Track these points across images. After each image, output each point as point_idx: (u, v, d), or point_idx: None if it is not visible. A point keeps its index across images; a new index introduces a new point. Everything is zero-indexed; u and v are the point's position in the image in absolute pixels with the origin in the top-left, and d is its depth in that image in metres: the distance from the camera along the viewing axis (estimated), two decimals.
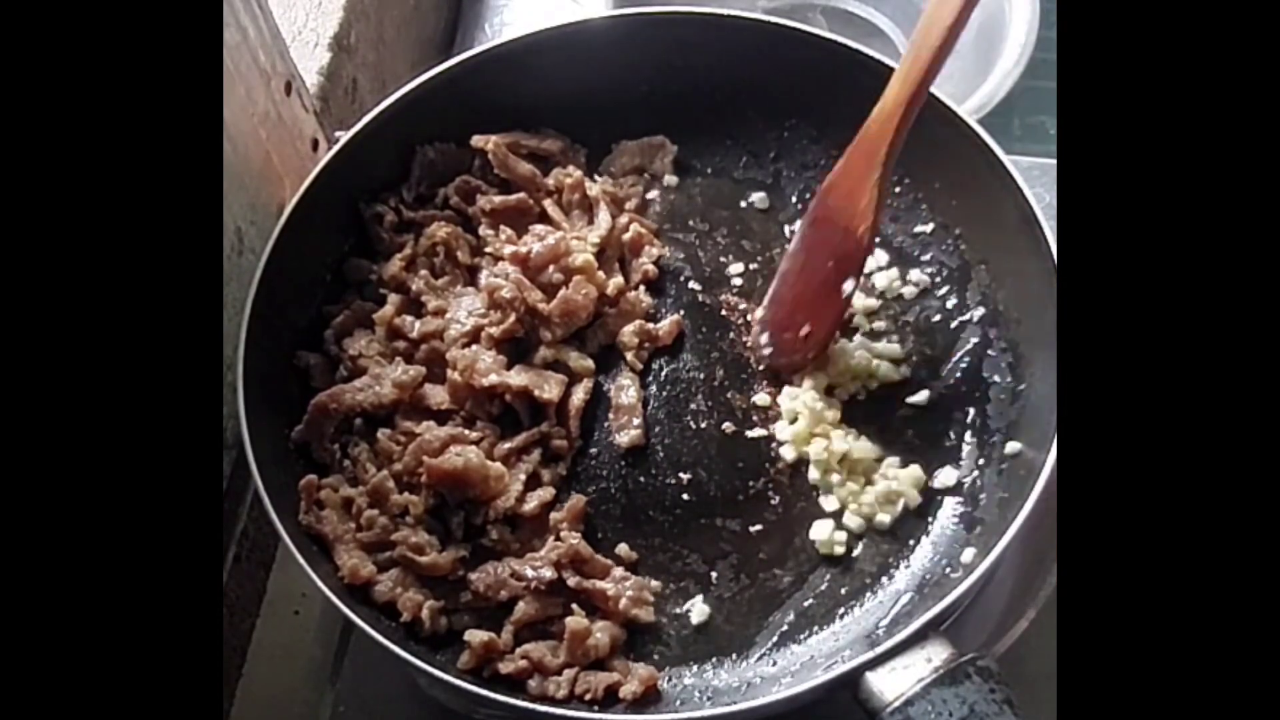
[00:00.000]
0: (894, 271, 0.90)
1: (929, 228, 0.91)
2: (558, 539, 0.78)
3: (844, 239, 0.79)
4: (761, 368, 0.86)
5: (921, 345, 0.87)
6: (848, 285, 0.80)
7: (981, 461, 0.82)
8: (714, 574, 0.80)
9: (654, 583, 0.79)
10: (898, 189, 0.93)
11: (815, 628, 0.77)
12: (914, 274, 0.90)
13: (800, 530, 0.81)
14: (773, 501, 0.82)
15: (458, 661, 0.74)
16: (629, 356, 0.87)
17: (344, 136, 0.87)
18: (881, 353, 0.86)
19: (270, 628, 0.89)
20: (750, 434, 0.84)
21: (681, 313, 0.90)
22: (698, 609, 0.78)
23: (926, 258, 0.91)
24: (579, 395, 0.84)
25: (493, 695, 0.69)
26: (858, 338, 0.87)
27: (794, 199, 0.95)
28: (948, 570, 0.77)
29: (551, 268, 0.85)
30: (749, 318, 0.89)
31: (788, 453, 0.82)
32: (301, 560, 0.71)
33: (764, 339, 0.85)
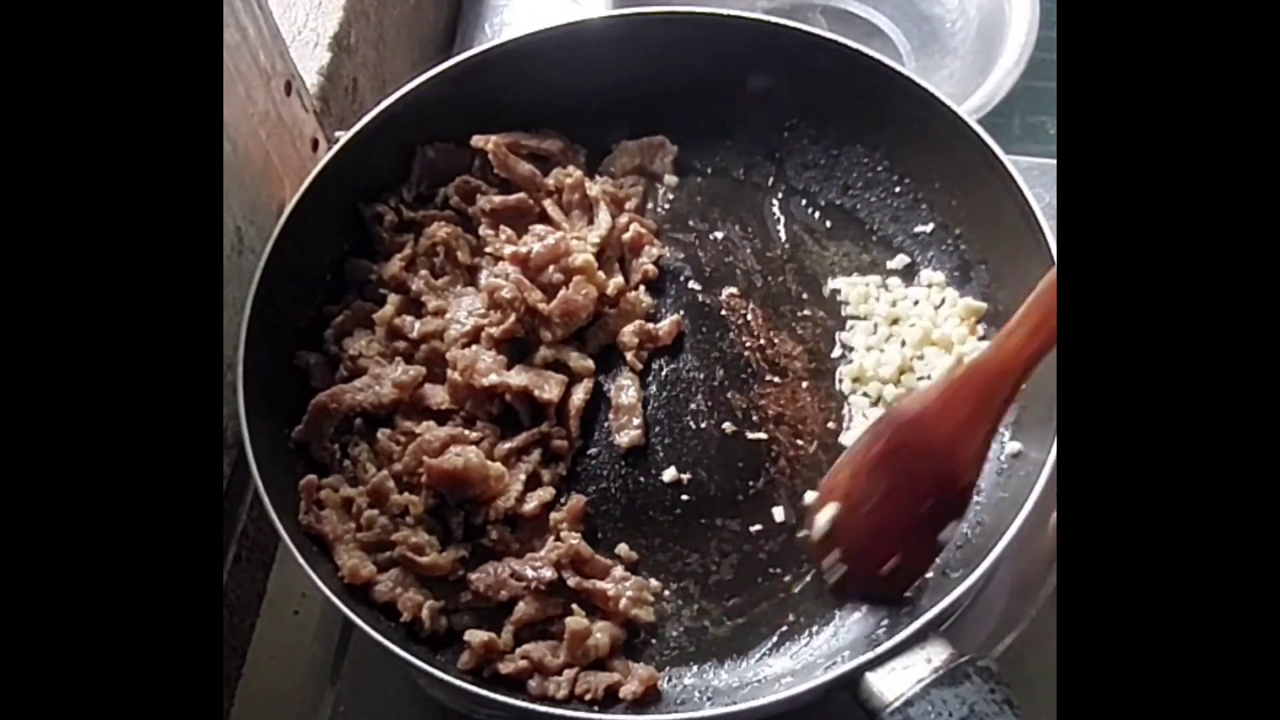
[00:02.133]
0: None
1: (929, 228, 0.91)
2: (558, 539, 0.78)
3: (945, 484, 0.72)
4: (829, 580, 0.78)
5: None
6: (948, 531, 0.74)
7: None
8: (714, 574, 0.80)
9: (654, 583, 0.79)
10: (897, 189, 0.93)
11: (815, 628, 0.77)
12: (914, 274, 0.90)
13: (800, 530, 0.80)
14: (773, 501, 0.82)
15: (458, 661, 0.74)
16: (629, 356, 0.87)
17: (344, 136, 0.87)
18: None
19: (270, 628, 0.89)
20: (750, 434, 0.84)
21: (681, 313, 0.90)
22: (698, 608, 0.78)
23: (927, 258, 0.91)
24: (579, 395, 0.84)
25: (493, 695, 0.69)
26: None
27: (794, 199, 0.95)
28: (947, 570, 0.77)
29: (551, 268, 0.85)
30: (749, 318, 0.89)
31: None
32: (301, 560, 0.71)
33: (834, 556, 0.77)
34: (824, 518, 0.76)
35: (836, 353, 0.88)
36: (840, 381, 0.86)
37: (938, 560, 0.78)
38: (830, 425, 0.85)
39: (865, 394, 0.85)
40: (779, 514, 0.81)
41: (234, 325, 0.78)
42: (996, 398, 0.70)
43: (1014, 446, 0.80)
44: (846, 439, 0.84)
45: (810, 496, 0.81)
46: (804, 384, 0.86)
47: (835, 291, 0.90)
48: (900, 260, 0.91)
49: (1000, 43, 1.18)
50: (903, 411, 0.74)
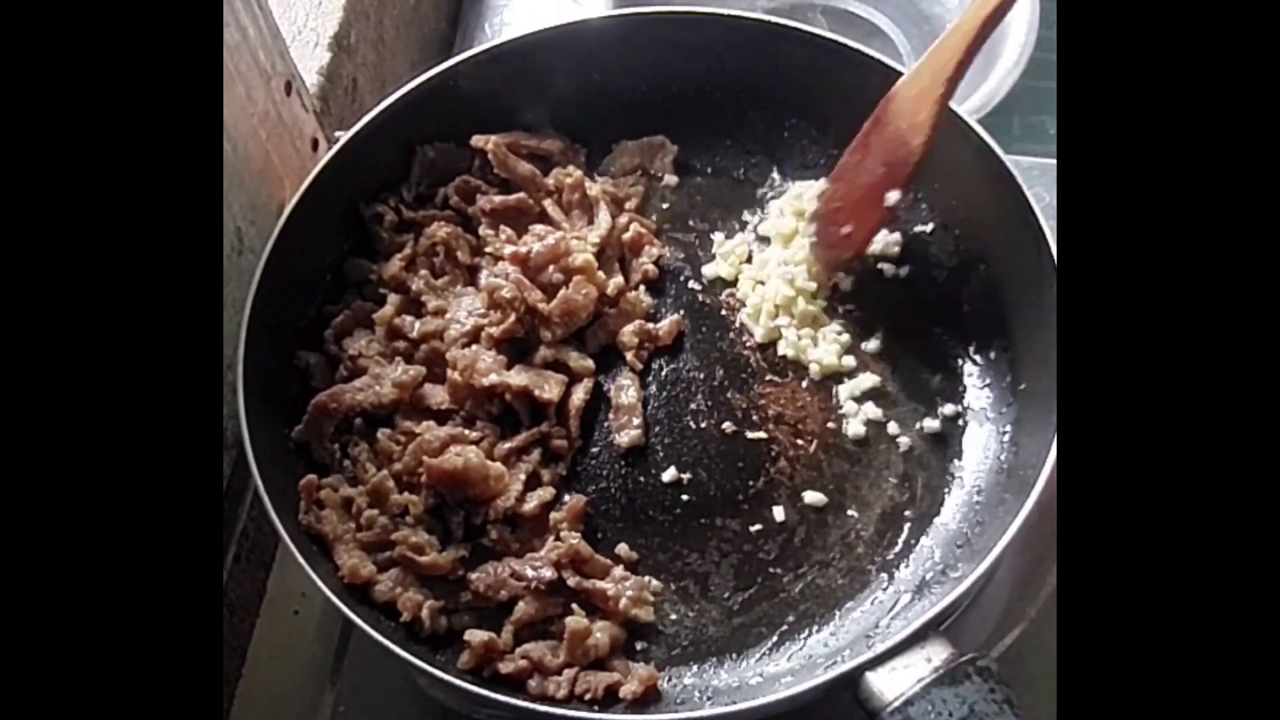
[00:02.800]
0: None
1: (929, 228, 0.91)
2: (558, 539, 0.78)
3: (898, 147, 0.80)
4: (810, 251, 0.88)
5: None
6: (892, 195, 0.81)
7: (982, 461, 0.82)
8: (714, 574, 0.80)
9: (654, 583, 0.79)
10: None
11: (815, 628, 0.77)
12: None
13: (800, 530, 0.81)
14: (773, 501, 0.82)
15: (458, 661, 0.74)
16: (629, 356, 0.87)
17: (344, 136, 0.87)
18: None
19: (270, 628, 0.89)
20: (750, 434, 0.84)
21: (681, 313, 0.90)
22: (698, 608, 0.78)
23: (927, 257, 0.91)
24: (579, 395, 0.84)
25: (493, 695, 0.69)
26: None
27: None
28: (947, 570, 0.77)
29: (551, 268, 0.85)
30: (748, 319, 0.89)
31: None
32: (301, 560, 0.71)
33: (812, 227, 0.87)
34: (812, 190, 0.87)
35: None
36: (847, 383, 0.86)
37: (938, 560, 0.78)
38: (830, 425, 0.85)
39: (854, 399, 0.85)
40: (779, 514, 0.81)
41: (234, 325, 0.78)
42: (951, 62, 0.76)
43: (1014, 446, 0.80)
44: (847, 437, 0.84)
45: (810, 496, 0.81)
46: (804, 384, 0.86)
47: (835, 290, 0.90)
48: (899, 260, 0.91)
49: (1000, 43, 1.18)
50: (892, 90, 0.81)
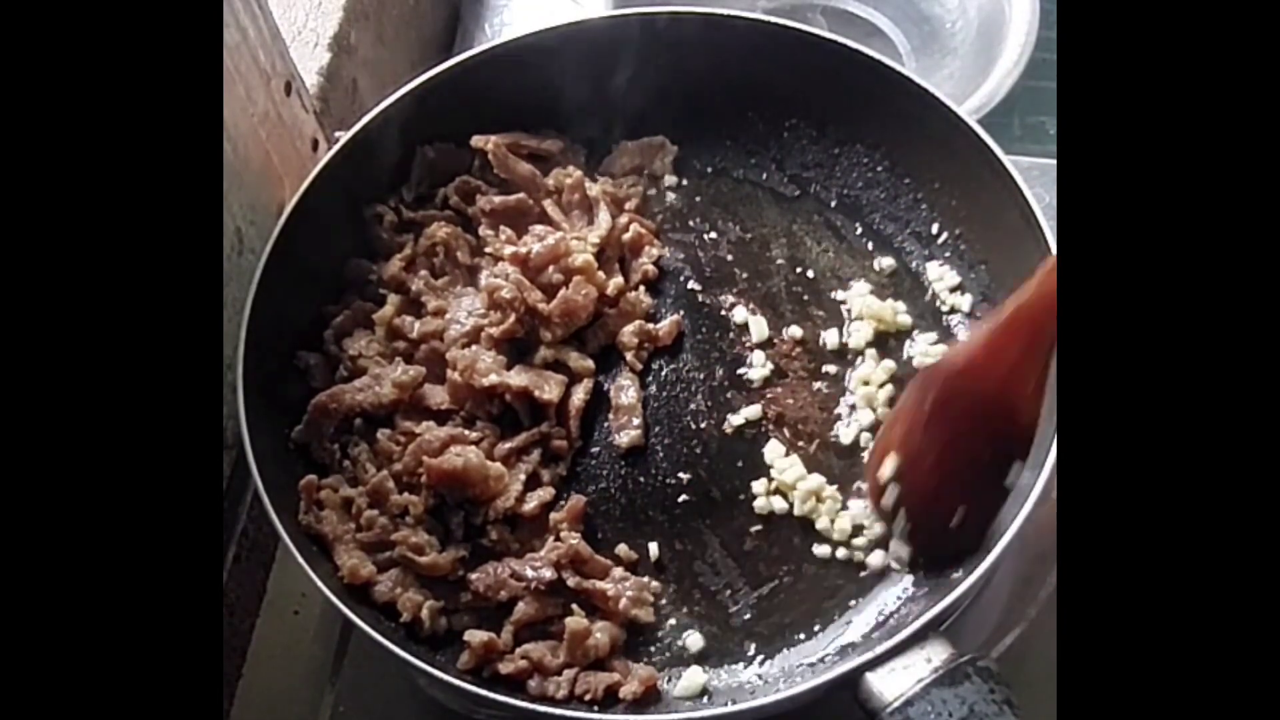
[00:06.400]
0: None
1: (929, 228, 0.91)
2: (558, 539, 0.78)
3: (1004, 428, 0.72)
4: (902, 542, 0.78)
5: None
6: (1014, 474, 0.73)
7: None
8: (714, 574, 0.79)
9: (654, 583, 0.79)
10: (898, 189, 0.93)
11: (815, 628, 0.77)
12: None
13: (800, 530, 0.80)
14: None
15: (458, 661, 0.74)
16: (629, 356, 0.87)
17: (344, 136, 0.87)
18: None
19: (270, 628, 0.89)
20: (750, 434, 0.84)
21: (681, 313, 0.90)
22: (698, 609, 0.78)
23: (926, 258, 0.91)
24: (579, 395, 0.84)
25: (493, 695, 0.69)
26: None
27: (794, 199, 0.95)
28: (948, 570, 0.77)
29: (551, 268, 0.85)
30: (748, 318, 0.89)
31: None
32: (301, 560, 0.71)
33: (901, 516, 0.76)
34: (888, 468, 0.75)
35: (836, 353, 0.88)
36: (847, 382, 0.86)
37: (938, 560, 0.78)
38: (830, 425, 0.85)
39: (868, 399, 0.85)
40: (779, 514, 0.81)
41: (234, 325, 0.78)
42: (1046, 333, 0.68)
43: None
44: (846, 437, 0.84)
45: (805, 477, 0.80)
46: (804, 384, 0.86)
47: (835, 291, 0.90)
48: (900, 261, 0.91)
49: (1000, 43, 1.19)
50: (951, 363, 0.74)
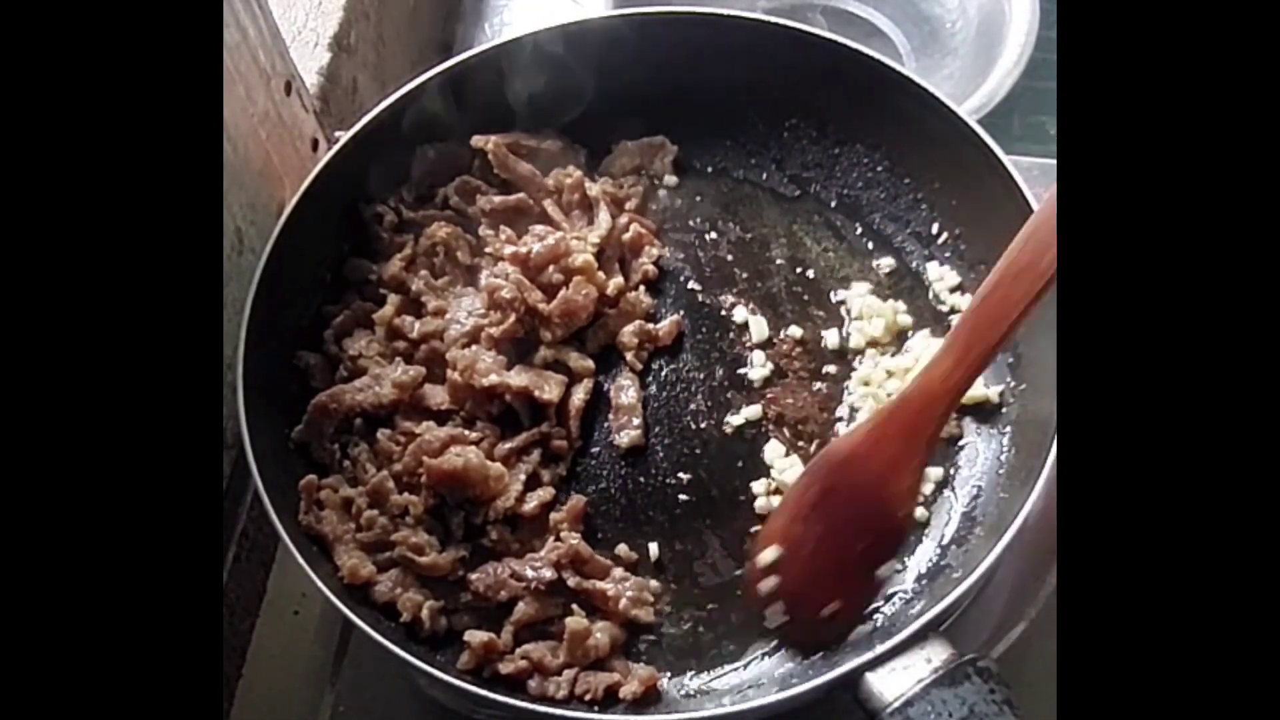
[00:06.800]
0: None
1: (929, 228, 0.91)
2: (558, 539, 0.78)
3: (880, 521, 0.72)
4: (771, 628, 0.76)
5: None
6: (885, 570, 0.74)
7: (982, 461, 0.82)
8: (714, 574, 0.79)
9: (654, 583, 0.79)
10: (897, 189, 0.93)
11: None
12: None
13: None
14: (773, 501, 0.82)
15: (458, 661, 0.74)
16: (629, 356, 0.87)
17: (344, 136, 0.87)
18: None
19: (270, 628, 0.89)
20: (750, 434, 0.84)
21: (681, 313, 0.90)
22: (698, 609, 0.78)
23: (927, 258, 0.91)
24: (579, 395, 0.84)
25: (493, 695, 0.69)
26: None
27: (794, 199, 0.95)
28: (947, 570, 0.77)
29: (551, 268, 0.85)
30: (748, 318, 0.89)
31: None
32: (301, 560, 0.71)
33: (778, 607, 0.75)
34: (768, 556, 0.74)
35: (837, 353, 0.88)
36: (847, 383, 0.86)
37: (938, 560, 0.78)
38: (830, 425, 0.84)
39: (872, 397, 0.85)
40: None
41: (234, 325, 0.78)
42: (925, 430, 0.70)
43: (1014, 446, 0.80)
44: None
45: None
46: (804, 384, 0.86)
47: (835, 291, 0.90)
48: (900, 260, 0.91)
49: (1000, 43, 1.18)
50: (836, 452, 0.74)
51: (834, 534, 0.74)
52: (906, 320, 0.88)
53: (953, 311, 0.88)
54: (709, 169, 0.97)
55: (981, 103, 1.12)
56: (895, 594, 0.78)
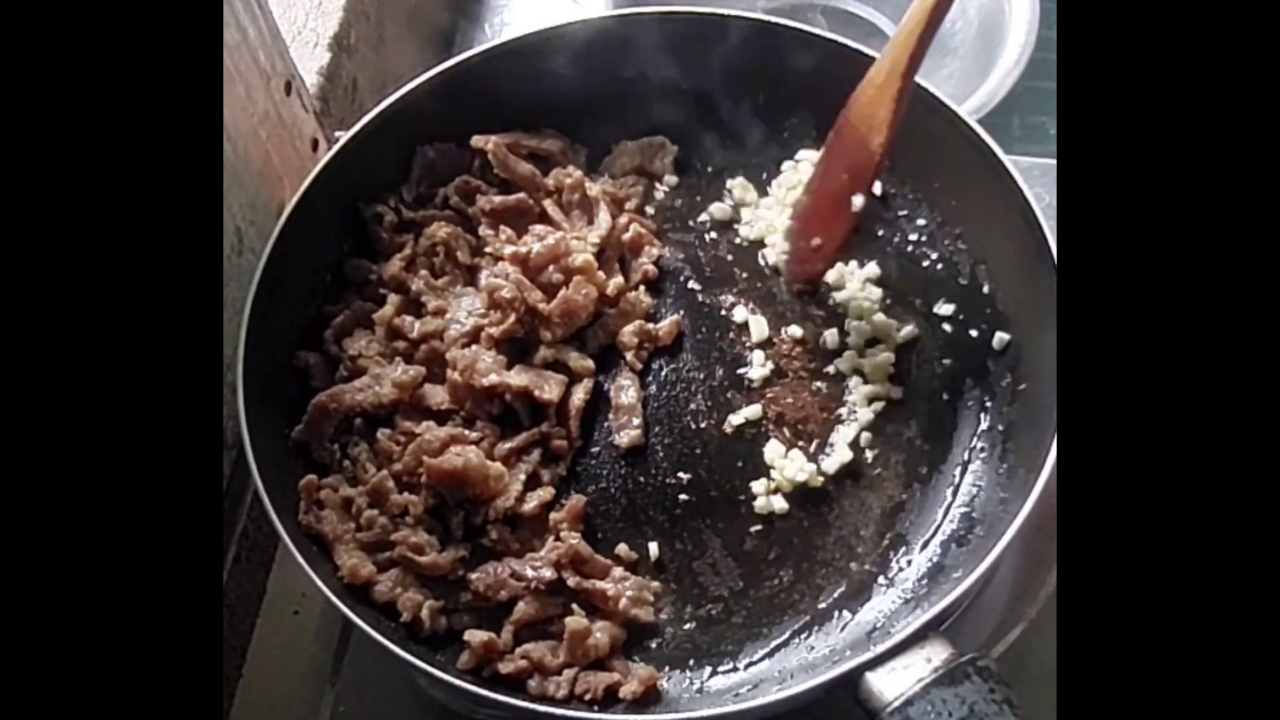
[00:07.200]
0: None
1: (929, 228, 0.91)
2: (558, 539, 0.78)
3: (859, 151, 0.79)
4: (783, 279, 0.89)
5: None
6: (857, 200, 0.81)
7: (982, 461, 0.82)
8: (714, 574, 0.79)
9: (654, 583, 0.79)
10: (898, 189, 0.93)
11: (815, 628, 0.77)
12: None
13: (800, 530, 0.81)
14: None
15: (458, 661, 0.74)
16: (629, 356, 0.87)
17: (344, 136, 0.87)
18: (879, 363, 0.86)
19: (270, 628, 0.89)
20: (750, 434, 0.84)
21: (681, 313, 0.90)
22: (697, 609, 0.78)
23: (926, 257, 0.91)
24: (579, 395, 0.84)
25: (493, 695, 0.69)
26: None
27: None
28: (947, 570, 0.77)
29: (551, 268, 0.85)
30: (748, 318, 0.89)
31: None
32: (301, 560, 0.71)
33: (785, 245, 0.87)
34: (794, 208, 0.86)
35: (837, 353, 0.87)
36: (847, 382, 0.86)
37: (938, 560, 0.78)
38: (830, 425, 0.84)
39: (870, 396, 0.85)
40: (779, 514, 0.81)
41: (234, 325, 0.78)
42: (903, 57, 0.75)
43: (1014, 446, 0.80)
44: (847, 437, 0.84)
45: (809, 497, 0.81)
46: (804, 384, 0.86)
47: (835, 291, 0.90)
48: (900, 261, 0.91)
49: (1000, 43, 1.18)
50: (848, 105, 0.80)
51: (827, 171, 0.84)
52: (907, 321, 0.88)
53: (953, 312, 0.88)
54: (709, 169, 0.97)
55: (981, 103, 1.12)
56: (895, 594, 0.78)
